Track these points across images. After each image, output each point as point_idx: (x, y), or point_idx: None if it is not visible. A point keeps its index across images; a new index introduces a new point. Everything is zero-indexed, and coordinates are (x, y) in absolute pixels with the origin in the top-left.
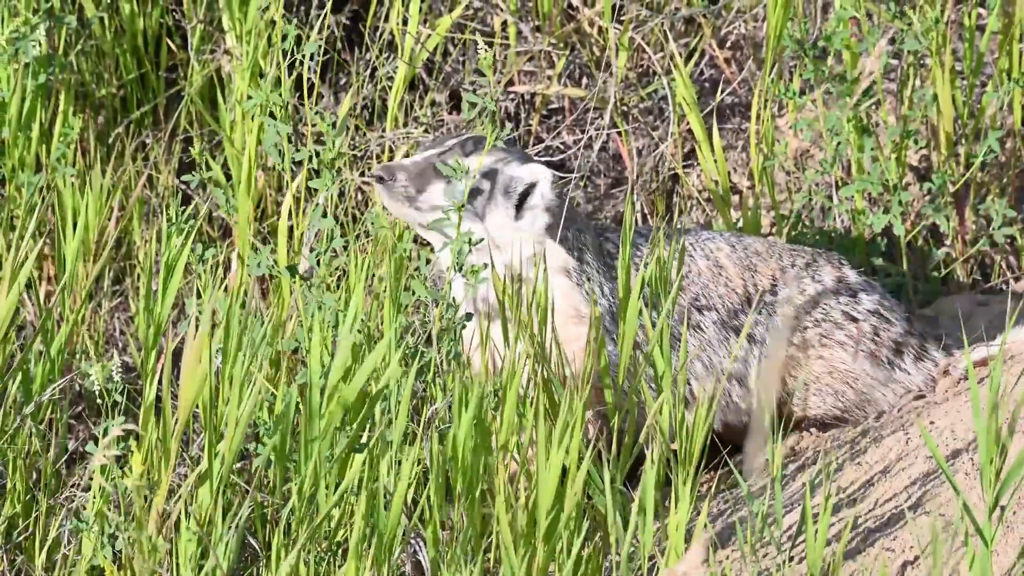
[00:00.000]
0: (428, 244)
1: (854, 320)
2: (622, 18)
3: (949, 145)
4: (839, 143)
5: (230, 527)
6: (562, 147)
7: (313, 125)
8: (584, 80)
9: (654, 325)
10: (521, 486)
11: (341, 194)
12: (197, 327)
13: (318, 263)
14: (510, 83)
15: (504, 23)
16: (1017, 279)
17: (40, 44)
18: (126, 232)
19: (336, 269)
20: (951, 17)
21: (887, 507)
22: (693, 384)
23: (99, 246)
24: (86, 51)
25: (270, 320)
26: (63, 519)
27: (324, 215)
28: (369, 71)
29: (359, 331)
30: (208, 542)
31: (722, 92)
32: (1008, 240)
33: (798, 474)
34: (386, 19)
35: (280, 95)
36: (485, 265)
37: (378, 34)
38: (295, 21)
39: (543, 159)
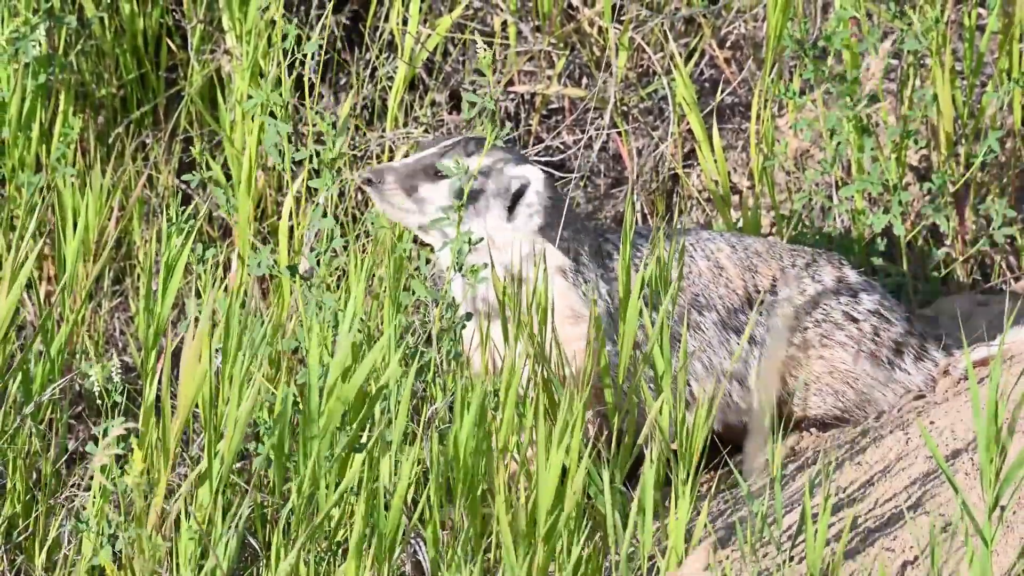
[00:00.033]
0: (428, 244)
1: (854, 320)
2: (622, 18)
3: (949, 145)
4: (839, 143)
5: (230, 527)
6: (562, 147)
7: (314, 125)
8: (584, 80)
9: (653, 324)
10: (521, 486)
11: (341, 194)
12: (197, 327)
13: (318, 263)
14: (510, 83)
15: (504, 23)
16: (1017, 279)
17: (40, 44)
18: (126, 232)
19: (336, 269)
20: (951, 17)
21: (887, 507)
22: (693, 385)
23: (99, 246)
24: (86, 51)
25: (270, 320)
26: (63, 519)
27: (324, 215)
28: (369, 71)
29: (359, 331)
30: (208, 542)
31: (722, 92)
32: (1008, 240)
33: (798, 474)
34: (386, 19)
35: (280, 95)
36: (485, 265)
37: (378, 34)
38: (295, 21)
39: (543, 159)
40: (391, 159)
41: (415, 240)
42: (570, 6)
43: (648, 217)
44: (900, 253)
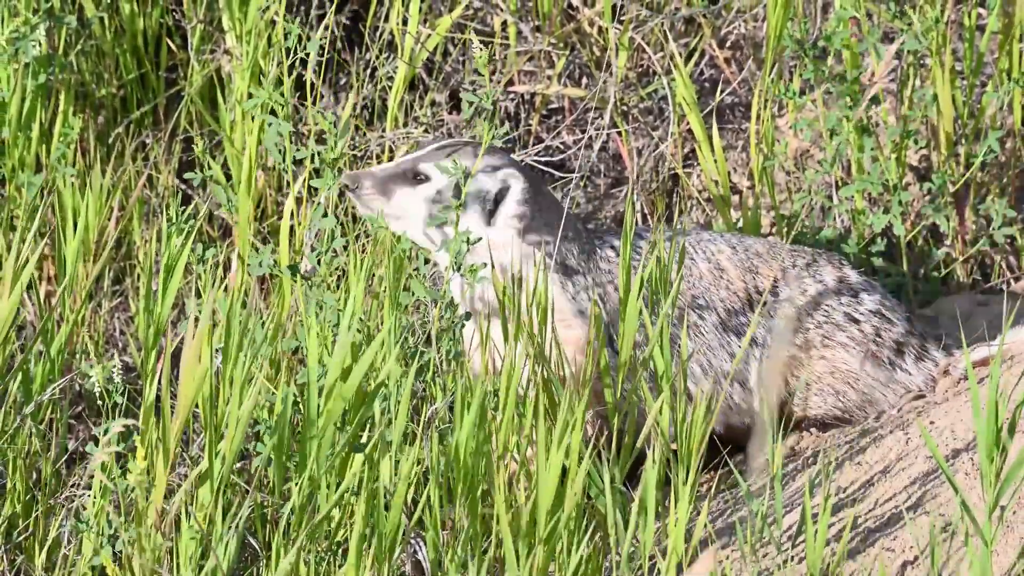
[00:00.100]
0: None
1: (856, 321)
2: (622, 18)
3: (949, 145)
4: (839, 143)
5: (230, 527)
6: (562, 147)
7: (315, 124)
8: (584, 80)
9: (653, 325)
10: (521, 486)
11: (341, 194)
12: (197, 327)
13: (319, 262)
14: (510, 83)
15: (504, 23)
16: (1017, 279)
17: (40, 44)
18: (126, 232)
19: (336, 269)
20: (951, 17)
21: (887, 507)
22: (691, 387)
23: (99, 246)
24: (86, 51)
25: (270, 320)
26: (63, 519)
27: (324, 215)
28: (369, 71)
29: (358, 331)
30: (208, 542)
31: (722, 92)
32: (1008, 240)
33: (798, 474)
34: (386, 19)
35: (282, 94)
36: (484, 264)
37: (378, 34)
38: (297, 21)
39: (543, 159)
40: (391, 159)
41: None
42: (570, 6)
43: (648, 217)
44: (900, 253)
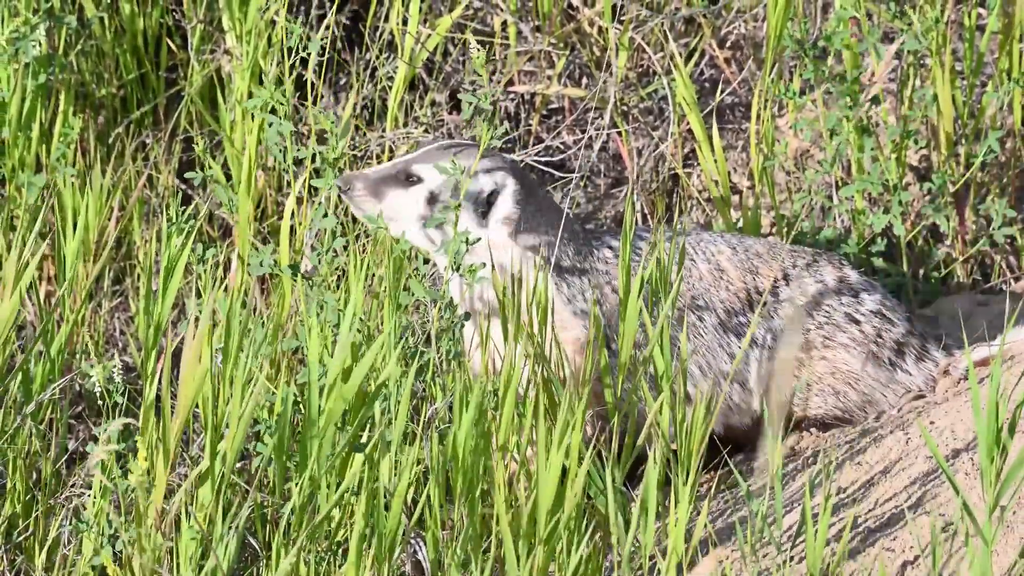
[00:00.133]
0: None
1: (856, 322)
2: (622, 18)
3: (949, 145)
4: (839, 143)
5: (230, 527)
6: (562, 147)
7: (316, 124)
8: (584, 80)
9: (653, 326)
10: (521, 486)
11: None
12: (197, 327)
13: (320, 262)
14: (510, 83)
15: (504, 23)
16: (1017, 279)
17: (40, 44)
18: (126, 232)
19: (336, 269)
20: (951, 17)
21: (887, 507)
22: (690, 389)
23: (99, 246)
24: (86, 51)
25: (270, 320)
26: (63, 519)
27: (325, 215)
28: (369, 71)
29: (358, 331)
30: (208, 542)
31: (722, 92)
32: (1008, 240)
33: (798, 474)
34: (386, 19)
35: (283, 93)
36: (483, 264)
37: (378, 34)
38: (298, 21)
39: (543, 159)
40: (391, 159)
41: None
42: (570, 6)
43: (648, 217)
44: (900, 253)
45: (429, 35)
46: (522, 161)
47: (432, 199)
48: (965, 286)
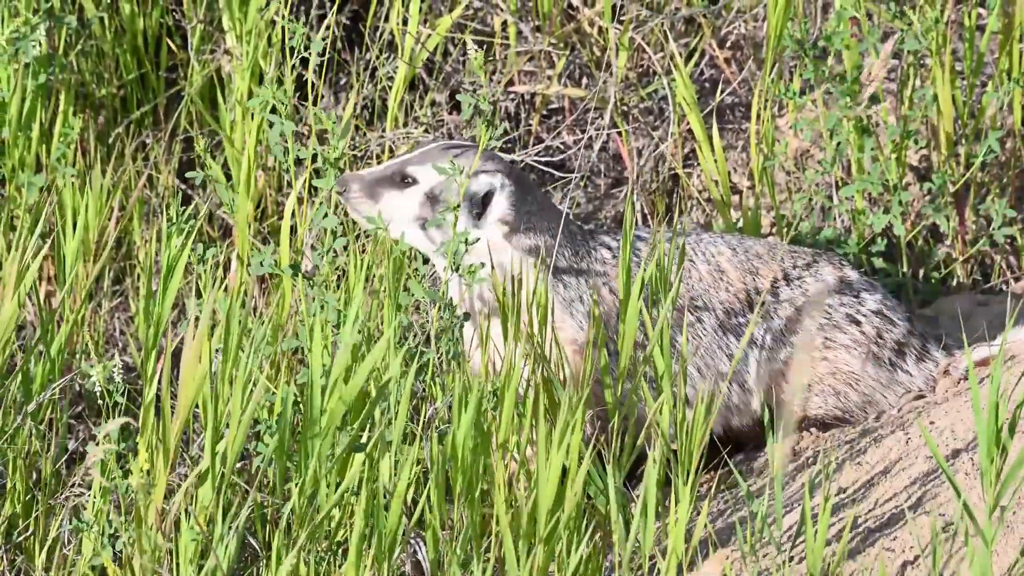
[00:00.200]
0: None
1: (857, 323)
2: (622, 18)
3: (949, 145)
4: (839, 143)
5: (230, 527)
6: (562, 147)
7: (317, 124)
8: (584, 80)
9: (654, 326)
10: (521, 486)
11: None
12: (197, 327)
13: (321, 261)
14: (510, 83)
15: (504, 23)
16: (1017, 279)
17: (40, 44)
18: (126, 232)
19: (336, 269)
20: (951, 17)
21: (887, 507)
22: (689, 390)
23: (99, 246)
24: (86, 51)
25: (270, 320)
26: (63, 519)
27: (326, 215)
28: (369, 71)
29: (358, 331)
30: (208, 542)
31: (722, 92)
32: (1008, 240)
33: (798, 474)
34: (386, 19)
35: (285, 92)
36: (482, 264)
37: (378, 34)
38: (301, 22)
39: (543, 159)
40: (391, 159)
41: None
42: (570, 6)
43: (648, 217)
44: (900, 253)
45: (429, 35)
46: (522, 161)
47: (427, 200)
48: (965, 286)
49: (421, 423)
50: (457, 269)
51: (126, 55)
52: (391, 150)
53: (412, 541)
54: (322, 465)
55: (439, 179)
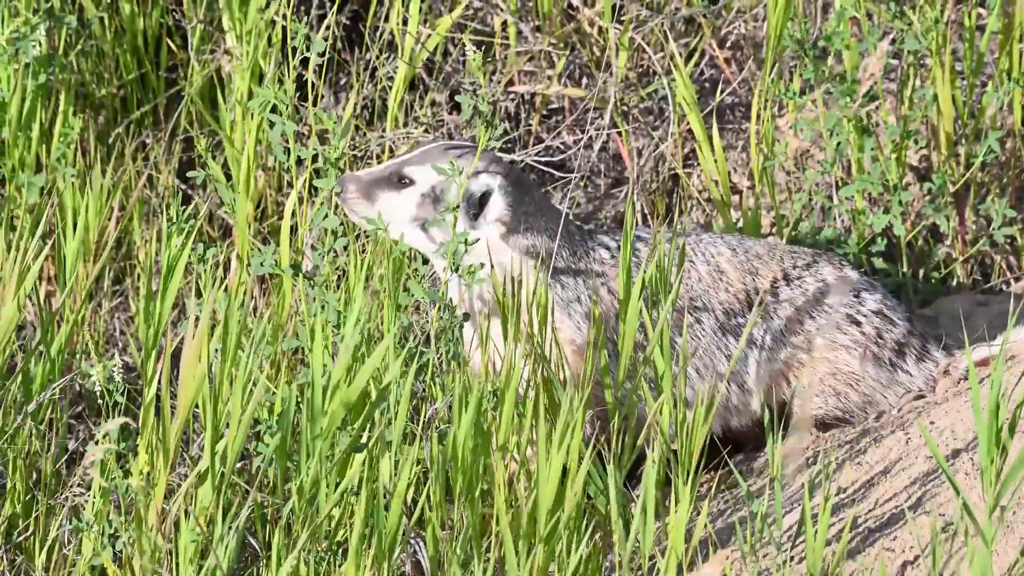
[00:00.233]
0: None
1: (857, 323)
2: (622, 18)
3: (949, 145)
4: (839, 143)
5: (230, 527)
6: (562, 147)
7: (318, 124)
8: (584, 80)
9: (654, 326)
10: (521, 486)
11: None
12: (197, 327)
13: (322, 261)
14: (510, 83)
15: (504, 23)
16: (1017, 279)
17: (40, 44)
18: (126, 232)
19: (337, 269)
20: (951, 17)
21: (887, 507)
22: (688, 391)
23: (99, 246)
24: (86, 51)
25: (270, 320)
26: (63, 519)
27: (326, 215)
28: (369, 71)
29: (359, 332)
30: (208, 542)
31: (722, 92)
32: (1008, 240)
33: (798, 474)
34: (386, 19)
35: (285, 91)
36: (482, 265)
37: (378, 34)
38: (303, 22)
39: (543, 159)
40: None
41: None
42: (570, 6)
43: (648, 217)
44: (900, 253)
45: (429, 35)
46: (522, 161)
47: (424, 201)
48: (965, 286)
49: (421, 423)
50: (456, 269)
51: (126, 55)
52: (391, 150)
53: (412, 541)
54: (322, 465)
55: (436, 179)
